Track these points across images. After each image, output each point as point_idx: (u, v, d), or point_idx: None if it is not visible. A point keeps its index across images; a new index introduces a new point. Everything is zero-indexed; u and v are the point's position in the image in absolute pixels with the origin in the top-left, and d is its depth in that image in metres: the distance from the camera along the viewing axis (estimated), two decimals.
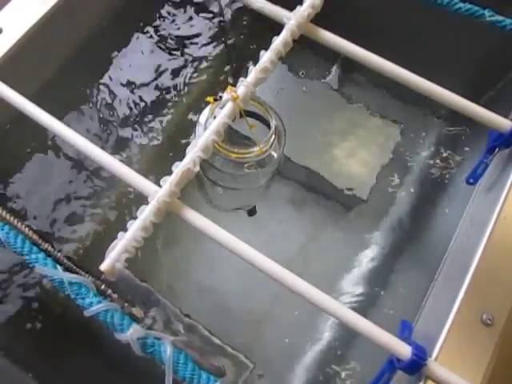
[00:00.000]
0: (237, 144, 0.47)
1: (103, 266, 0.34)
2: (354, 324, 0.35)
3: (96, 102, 0.66)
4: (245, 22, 0.76)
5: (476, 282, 0.38)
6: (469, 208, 0.48)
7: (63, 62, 0.57)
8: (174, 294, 0.61)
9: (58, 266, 0.35)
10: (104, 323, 0.34)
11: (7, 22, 0.49)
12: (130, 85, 0.69)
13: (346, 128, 0.69)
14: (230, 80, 0.72)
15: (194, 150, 0.37)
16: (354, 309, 0.35)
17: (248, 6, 0.46)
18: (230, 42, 0.74)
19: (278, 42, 0.41)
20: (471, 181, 0.48)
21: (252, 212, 0.65)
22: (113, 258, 0.34)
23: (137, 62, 0.69)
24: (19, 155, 0.59)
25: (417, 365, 0.33)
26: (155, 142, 0.69)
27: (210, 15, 0.74)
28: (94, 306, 0.34)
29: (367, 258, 0.67)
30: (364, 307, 0.63)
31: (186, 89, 0.72)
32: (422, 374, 0.34)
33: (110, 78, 0.67)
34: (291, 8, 0.44)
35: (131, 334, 0.33)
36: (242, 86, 0.39)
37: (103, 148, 0.40)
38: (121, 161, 0.39)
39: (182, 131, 0.70)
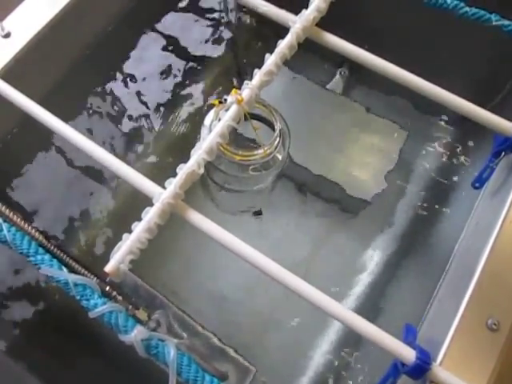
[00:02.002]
0: (242, 147, 0.47)
1: (108, 268, 0.34)
2: (358, 328, 0.34)
3: (103, 105, 0.66)
4: (251, 26, 0.76)
5: (481, 287, 0.38)
6: (474, 212, 0.48)
7: (71, 65, 0.57)
8: (178, 297, 0.61)
9: (64, 268, 0.36)
10: (108, 324, 0.34)
11: (16, 25, 0.49)
12: (137, 88, 0.69)
13: (350, 131, 0.69)
14: (236, 83, 0.72)
15: (199, 153, 0.37)
16: (358, 312, 0.35)
17: (254, 9, 0.46)
18: (235, 45, 0.75)
19: (283, 45, 0.41)
20: (477, 185, 0.48)
21: (257, 212, 0.65)
22: (117, 259, 0.34)
23: (144, 65, 0.70)
24: (26, 158, 0.59)
25: (421, 369, 0.33)
26: (162, 145, 0.69)
27: (217, 19, 0.75)
28: (99, 308, 0.34)
29: (372, 261, 0.67)
30: (369, 311, 0.63)
31: (193, 92, 0.72)
32: (426, 379, 0.34)
33: (118, 81, 0.68)
34: (297, 12, 0.44)
35: (135, 335, 0.33)
36: (247, 89, 0.39)
37: (110, 151, 0.40)
38: (127, 163, 0.39)
39: (189, 134, 0.70)
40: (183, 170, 0.37)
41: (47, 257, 0.36)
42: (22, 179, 0.58)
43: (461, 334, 0.36)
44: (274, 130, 0.49)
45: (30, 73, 0.51)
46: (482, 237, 0.42)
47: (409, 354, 0.33)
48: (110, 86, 0.67)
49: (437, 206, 0.69)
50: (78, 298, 0.35)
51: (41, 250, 0.37)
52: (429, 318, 0.43)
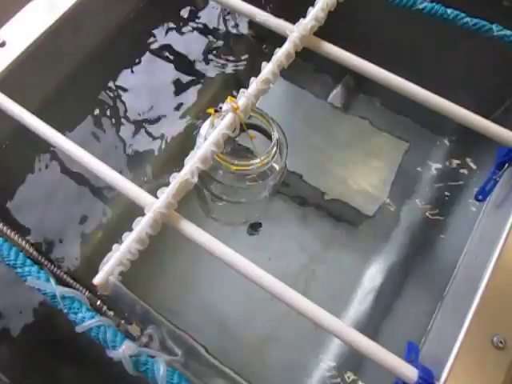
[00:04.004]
0: (240, 157, 0.47)
1: (96, 280, 0.33)
2: (358, 345, 0.33)
3: (100, 117, 0.66)
4: (250, 38, 0.76)
5: (486, 303, 0.37)
6: (478, 225, 0.47)
7: (67, 76, 0.57)
8: (172, 312, 0.60)
9: (52, 280, 0.35)
10: (96, 339, 0.32)
11: (11, 35, 0.49)
12: (134, 100, 0.69)
13: (350, 144, 0.68)
14: (235, 93, 0.72)
15: (193, 161, 0.36)
16: (358, 329, 0.33)
17: (252, 19, 0.46)
18: (234, 57, 0.75)
19: (280, 53, 0.41)
20: (480, 197, 0.47)
21: (255, 227, 0.64)
22: (106, 271, 0.33)
23: (142, 77, 0.70)
24: (20, 169, 0.59)
25: None
26: (160, 156, 0.69)
27: (216, 31, 0.75)
28: (87, 322, 0.33)
29: (373, 275, 0.66)
30: (369, 327, 0.61)
31: (191, 103, 0.72)
32: None
33: (115, 93, 0.68)
34: (295, 22, 0.44)
35: (123, 350, 0.32)
36: (243, 97, 0.38)
37: (106, 161, 0.39)
38: (124, 175, 0.38)
39: (187, 145, 0.70)
40: (176, 179, 0.36)
41: (35, 268, 0.35)
42: (16, 190, 0.58)
43: (465, 351, 0.35)
44: (271, 139, 0.48)
45: (25, 83, 0.50)
46: (486, 250, 0.41)
47: (411, 373, 0.32)
48: (107, 96, 0.67)
49: (439, 219, 0.68)
50: (66, 311, 0.33)
51: (28, 262, 0.35)
52: (431, 335, 0.42)
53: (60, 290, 0.34)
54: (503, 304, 0.37)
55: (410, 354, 0.35)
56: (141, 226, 0.34)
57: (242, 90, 0.39)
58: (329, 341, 0.62)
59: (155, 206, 0.35)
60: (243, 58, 0.76)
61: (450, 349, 0.35)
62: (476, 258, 0.44)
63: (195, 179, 0.36)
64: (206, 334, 0.60)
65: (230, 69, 0.75)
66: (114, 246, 0.34)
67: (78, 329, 0.33)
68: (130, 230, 0.35)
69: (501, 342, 0.35)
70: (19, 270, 0.35)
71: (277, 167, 0.49)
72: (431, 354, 0.39)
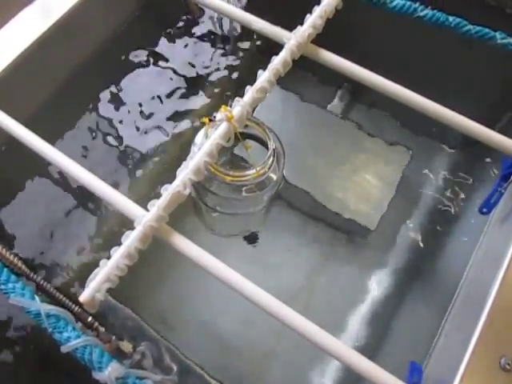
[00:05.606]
0: (237, 167, 0.45)
1: (82, 297, 0.31)
2: (357, 367, 0.31)
3: (92, 127, 0.65)
4: (247, 44, 0.75)
5: (492, 321, 0.35)
6: (482, 239, 0.46)
7: (58, 85, 0.56)
8: (167, 327, 0.58)
9: (37, 297, 0.33)
10: (81, 360, 0.31)
11: (1, 43, 0.48)
12: (127, 109, 0.68)
13: (350, 153, 0.67)
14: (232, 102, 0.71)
15: (185, 172, 0.35)
16: (358, 348, 0.32)
17: (248, 27, 0.45)
18: (232, 66, 0.74)
19: (277, 61, 0.39)
20: (485, 210, 0.45)
21: (252, 239, 0.63)
22: (93, 287, 0.32)
23: (135, 87, 0.69)
24: (10, 180, 0.58)
25: None
26: (154, 167, 0.67)
27: (211, 39, 0.74)
28: (72, 342, 0.31)
29: (374, 292, 0.64)
30: (369, 347, 0.59)
31: (186, 112, 0.71)
32: None
33: (107, 102, 0.67)
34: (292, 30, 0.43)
35: (109, 373, 0.30)
36: (238, 106, 0.37)
37: (98, 173, 0.38)
38: (117, 186, 0.37)
39: (183, 157, 0.69)
40: (168, 191, 0.34)
41: (19, 285, 0.33)
42: (6, 202, 0.56)
43: (471, 374, 0.33)
44: (268, 149, 0.47)
45: (16, 92, 0.49)
46: (491, 266, 0.39)
47: None
48: (98, 106, 0.66)
49: (442, 233, 0.67)
50: (50, 330, 0.32)
51: (13, 278, 0.34)
52: (435, 356, 0.40)
53: (45, 308, 0.32)
54: (511, 323, 0.35)
55: (413, 376, 0.34)
56: (130, 240, 0.33)
57: (236, 98, 0.38)
58: (329, 356, 0.60)
59: (145, 219, 0.33)
60: (239, 65, 0.75)
61: (455, 370, 0.34)
62: (481, 274, 0.42)
63: (187, 191, 0.34)
64: (203, 348, 0.58)
65: (226, 77, 0.75)
66: (102, 262, 0.33)
67: (63, 349, 0.31)
68: (120, 244, 0.33)
69: (508, 364, 0.33)
70: (2, 286, 0.33)
71: (274, 177, 0.48)
72: (435, 375, 0.37)
